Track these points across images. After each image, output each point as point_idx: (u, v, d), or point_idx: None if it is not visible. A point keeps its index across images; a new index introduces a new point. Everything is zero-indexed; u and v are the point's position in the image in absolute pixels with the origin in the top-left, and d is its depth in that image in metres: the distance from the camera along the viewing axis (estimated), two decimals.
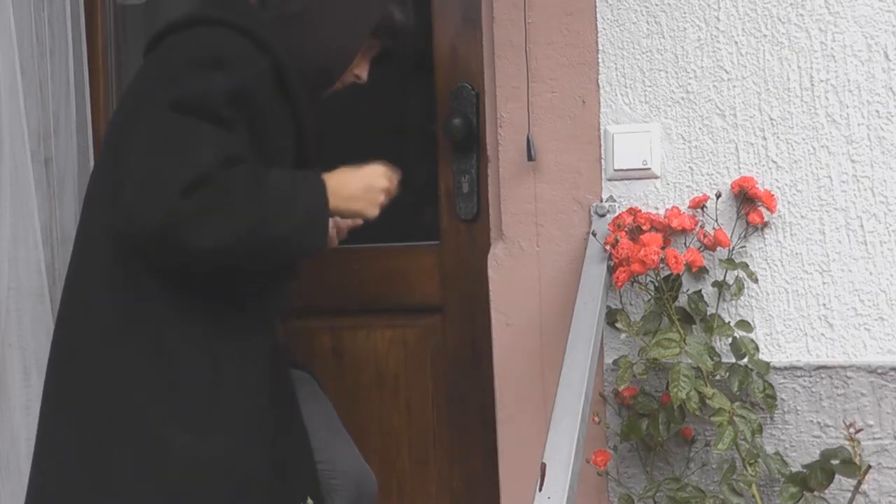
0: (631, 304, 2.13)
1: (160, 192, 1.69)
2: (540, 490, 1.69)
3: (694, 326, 2.04)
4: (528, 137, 2.18)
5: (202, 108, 1.75)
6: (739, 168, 2.09)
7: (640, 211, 2.09)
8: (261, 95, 1.83)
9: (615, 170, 2.16)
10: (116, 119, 1.95)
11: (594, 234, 2.10)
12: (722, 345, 2.06)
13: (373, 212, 1.97)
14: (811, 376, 2.04)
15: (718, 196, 2.08)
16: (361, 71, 2.09)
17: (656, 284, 2.00)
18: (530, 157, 2.17)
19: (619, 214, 2.09)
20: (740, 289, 2.06)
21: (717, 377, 1.98)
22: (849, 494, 1.88)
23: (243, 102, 1.81)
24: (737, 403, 1.91)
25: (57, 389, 1.91)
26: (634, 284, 2.04)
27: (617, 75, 2.17)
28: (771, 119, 2.08)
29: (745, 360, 2.02)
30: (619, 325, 2.02)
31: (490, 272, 2.23)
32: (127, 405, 1.83)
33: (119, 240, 1.80)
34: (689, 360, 1.91)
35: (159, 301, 1.83)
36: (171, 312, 1.84)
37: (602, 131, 2.17)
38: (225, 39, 1.81)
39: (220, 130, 1.75)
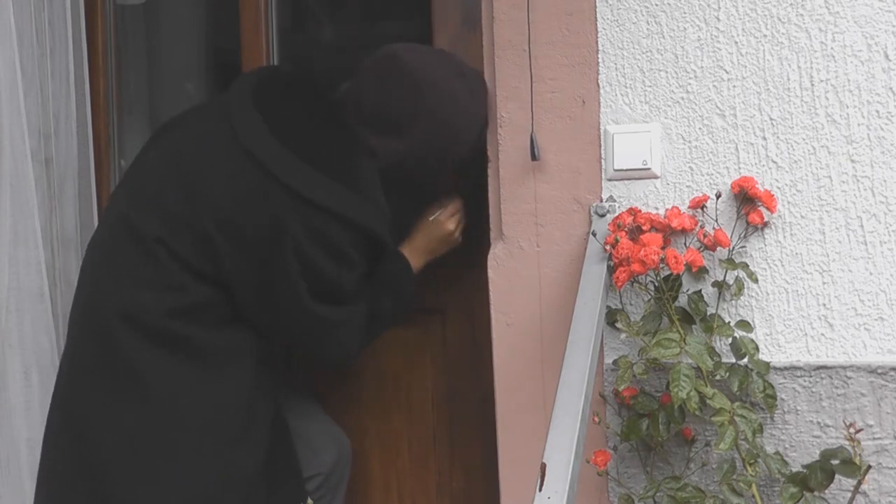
0: (631, 304, 2.13)
1: (361, 347, 2.28)
2: (540, 490, 1.69)
3: (694, 326, 2.04)
4: (531, 137, 2.17)
5: (354, 293, 2.19)
6: (739, 168, 2.10)
7: (640, 211, 2.09)
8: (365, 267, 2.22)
9: (615, 170, 2.16)
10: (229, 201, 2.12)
11: (594, 234, 2.10)
12: (722, 345, 2.06)
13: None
14: (811, 376, 2.04)
15: (718, 196, 2.08)
16: None
17: (656, 284, 2.00)
18: (534, 157, 2.16)
19: (619, 214, 2.09)
20: (740, 289, 2.06)
21: (717, 377, 1.98)
22: (849, 494, 1.88)
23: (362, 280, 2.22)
24: (737, 403, 1.91)
25: (111, 388, 2.13)
26: (634, 284, 2.04)
27: (617, 75, 2.17)
28: (771, 119, 2.08)
29: (745, 360, 2.02)
30: (619, 325, 2.02)
31: (490, 272, 2.23)
32: (176, 412, 2.10)
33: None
34: (689, 360, 1.91)
35: (234, 340, 2.16)
36: (244, 348, 2.16)
37: (602, 131, 2.17)
38: (353, 245, 2.14)
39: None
